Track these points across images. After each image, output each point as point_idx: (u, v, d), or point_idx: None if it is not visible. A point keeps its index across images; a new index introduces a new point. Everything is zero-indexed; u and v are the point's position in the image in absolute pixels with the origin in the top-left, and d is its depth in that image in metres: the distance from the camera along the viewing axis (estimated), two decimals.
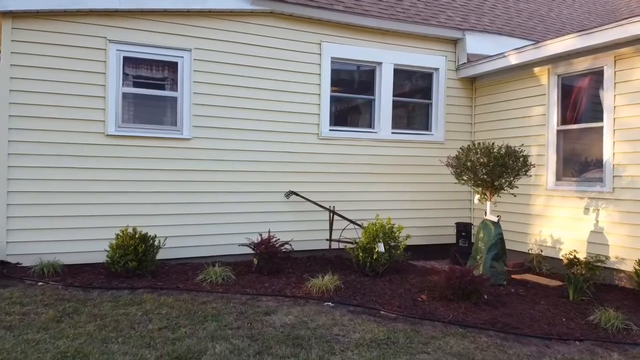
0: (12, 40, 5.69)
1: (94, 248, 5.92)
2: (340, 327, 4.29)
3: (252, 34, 6.87)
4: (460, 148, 6.38)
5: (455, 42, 8.20)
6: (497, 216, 6.29)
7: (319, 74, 7.27)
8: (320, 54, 7.27)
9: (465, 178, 6.27)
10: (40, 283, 5.21)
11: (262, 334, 4.04)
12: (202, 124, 6.61)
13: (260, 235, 6.22)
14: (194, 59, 6.54)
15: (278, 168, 7.03)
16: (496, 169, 6.00)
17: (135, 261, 5.52)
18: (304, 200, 6.97)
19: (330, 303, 4.98)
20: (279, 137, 7.04)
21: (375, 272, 6.12)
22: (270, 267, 6.03)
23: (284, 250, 6.19)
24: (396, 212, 7.41)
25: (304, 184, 7.12)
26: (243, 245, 6.15)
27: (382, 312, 4.80)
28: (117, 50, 6.21)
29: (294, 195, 6.94)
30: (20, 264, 5.71)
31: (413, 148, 7.94)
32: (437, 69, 8.11)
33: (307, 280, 5.60)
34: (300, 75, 7.17)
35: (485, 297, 5.12)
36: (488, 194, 6.27)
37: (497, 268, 6.01)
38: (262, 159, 6.94)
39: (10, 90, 5.69)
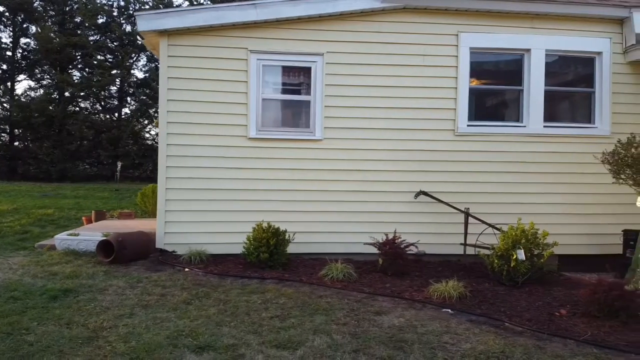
0: (168, 56, 6.53)
1: (235, 240, 6.41)
2: (452, 336, 3.97)
3: (382, 32, 6.79)
4: (618, 141, 5.42)
5: (620, 21, 6.99)
6: None
7: (456, 67, 6.86)
8: (457, 46, 6.85)
9: (623, 177, 5.29)
10: (186, 269, 5.88)
11: (366, 333, 3.95)
12: (333, 125, 6.75)
13: (386, 235, 6.09)
14: (326, 63, 6.72)
15: (408, 167, 6.81)
16: None
17: (267, 253, 5.90)
18: (435, 201, 6.63)
19: (449, 310, 4.65)
20: (410, 134, 6.82)
21: (513, 282, 5.54)
22: (394, 268, 5.87)
23: (410, 252, 5.98)
24: (547, 216, 6.66)
25: (436, 183, 6.77)
26: (368, 244, 6.10)
27: (506, 324, 4.32)
28: (257, 59, 6.70)
29: (424, 196, 6.64)
30: (175, 252, 6.52)
31: (570, 143, 6.99)
32: (599, 53, 7.01)
33: (431, 285, 5.32)
34: (434, 69, 6.85)
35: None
36: None
37: None
38: (391, 157, 6.79)
39: (168, 100, 6.55)
